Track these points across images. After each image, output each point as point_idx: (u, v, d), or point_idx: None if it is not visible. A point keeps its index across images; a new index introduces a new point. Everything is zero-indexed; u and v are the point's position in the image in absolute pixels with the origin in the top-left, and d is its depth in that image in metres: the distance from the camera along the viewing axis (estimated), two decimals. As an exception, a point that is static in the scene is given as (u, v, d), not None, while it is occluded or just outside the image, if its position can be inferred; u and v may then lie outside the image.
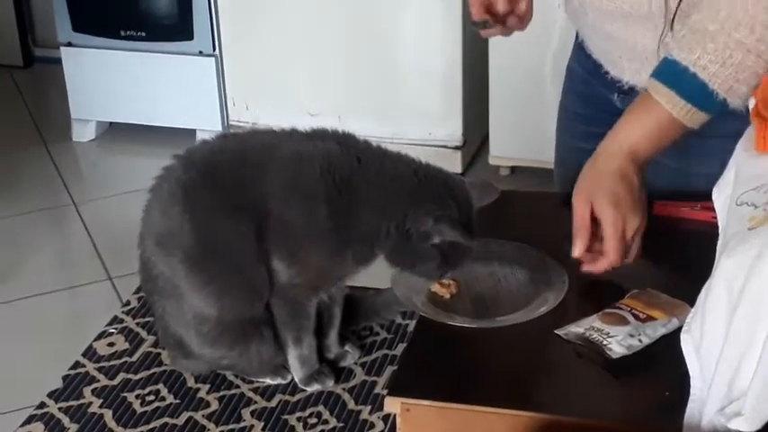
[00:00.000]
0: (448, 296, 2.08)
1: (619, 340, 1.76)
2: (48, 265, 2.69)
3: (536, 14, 2.38)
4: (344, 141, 2.16)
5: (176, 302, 2.23)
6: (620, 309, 1.85)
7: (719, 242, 1.73)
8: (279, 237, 2.15)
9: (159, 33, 3.52)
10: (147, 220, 2.26)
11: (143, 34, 3.59)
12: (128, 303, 2.78)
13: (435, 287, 2.11)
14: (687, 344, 1.62)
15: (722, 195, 1.85)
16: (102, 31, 3.58)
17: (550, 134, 3.09)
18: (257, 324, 2.25)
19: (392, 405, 1.76)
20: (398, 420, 1.76)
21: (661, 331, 1.79)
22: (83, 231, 2.88)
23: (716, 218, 2.22)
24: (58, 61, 3.57)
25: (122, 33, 3.53)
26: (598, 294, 2.01)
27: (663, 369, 1.78)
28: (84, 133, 3.55)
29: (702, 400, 1.56)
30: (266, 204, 2.13)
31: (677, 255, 2.16)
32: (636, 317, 1.82)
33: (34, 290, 2.55)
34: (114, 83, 3.53)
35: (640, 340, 1.77)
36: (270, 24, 3.81)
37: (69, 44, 3.54)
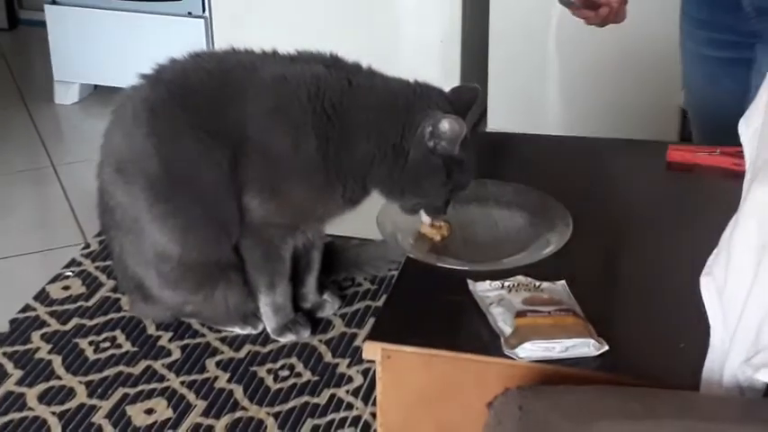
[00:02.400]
0: (438, 238, 1.96)
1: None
2: (24, 227, 2.68)
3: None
4: (333, 64, 2.03)
5: (136, 238, 2.11)
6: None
7: (746, 177, 1.61)
8: (257, 168, 2.02)
9: None
10: (106, 145, 2.13)
11: None
12: (87, 246, 2.66)
13: (425, 229, 1.98)
14: (708, 288, 1.49)
15: (751, 127, 1.72)
16: None
17: (550, 107, 3.00)
18: (225, 267, 2.14)
19: (372, 351, 1.63)
20: (378, 369, 1.64)
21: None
22: (60, 194, 2.86)
23: (737, 164, 2.13)
24: (44, 24, 3.57)
25: None
26: (603, 237, 1.92)
27: (677, 317, 1.67)
28: (66, 96, 3.52)
29: (724, 351, 1.44)
30: (244, 131, 2.01)
31: (692, 204, 2.05)
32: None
33: (8, 251, 2.55)
34: (99, 44, 3.48)
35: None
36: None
37: (54, 2, 3.49)
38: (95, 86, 3.51)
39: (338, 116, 1.96)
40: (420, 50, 3.13)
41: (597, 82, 2.95)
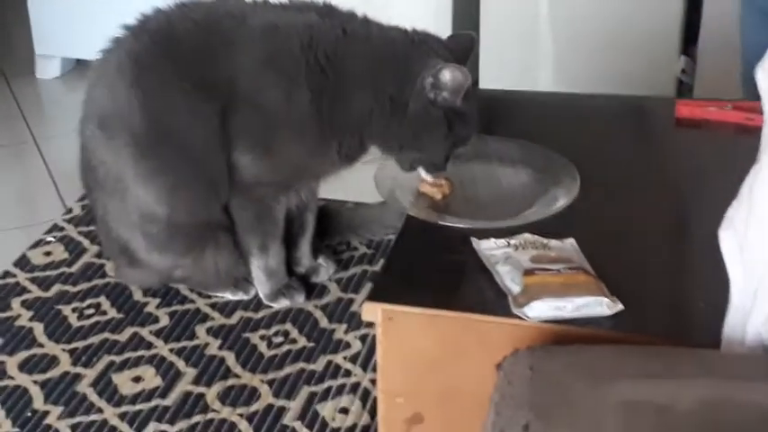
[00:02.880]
0: (440, 196, 1.90)
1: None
2: (5, 202, 2.62)
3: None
4: (326, 12, 1.95)
5: (120, 199, 2.03)
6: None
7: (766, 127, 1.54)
8: (247, 123, 1.94)
9: None
10: (88, 100, 2.05)
11: None
12: (70, 211, 2.59)
13: (425, 187, 1.92)
14: (728, 242, 1.42)
15: (771, 73, 1.65)
16: None
17: (542, 66, 2.94)
18: (214, 228, 2.07)
19: (372, 312, 1.57)
20: (378, 332, 1.58)
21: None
22: (43, 169, 2.79)
23: (750, 119, 2.07)
24: None
25: None
26: (612, 194, 1.87)
27: (694, 275, 1.61)
28: (48, 70, 3.44)
29: (746, 308, 1.38)
30: (233, 83, 1.92)
31: (703, 160, 2.00)
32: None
33: None
34: (82, 17, 3.38)
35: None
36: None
37: None
38: (78, 60, 3.44)
39: (332, 67, 1.88)
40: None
41: (591, 45, 2.89)
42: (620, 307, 1.49)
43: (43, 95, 3.34)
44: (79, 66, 3.42)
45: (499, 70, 2.97)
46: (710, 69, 2.80)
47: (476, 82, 3.36)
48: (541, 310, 1.49)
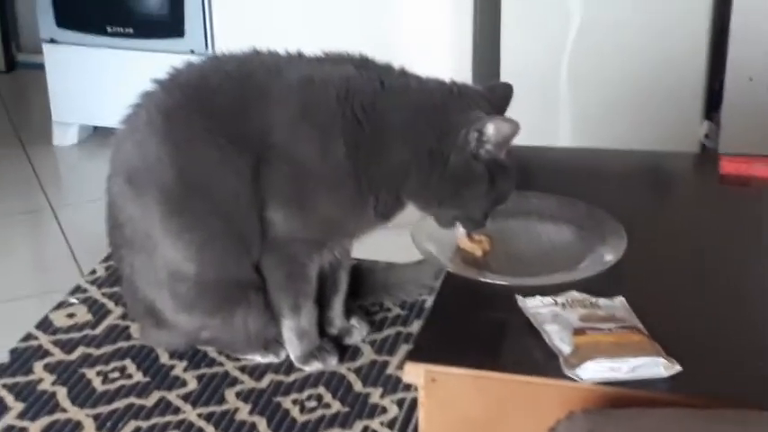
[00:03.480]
0: (480, 253, 1.85)
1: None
2: (22, 270, 2.61)
3: (550, 18, 2.23)
4: (363, 64, 1.92)
5: (148, 257, 1.99)
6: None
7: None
8: (281, 178, 1.90)
9: (148, 30, 3.42)
10: (116, 155, 2.01)
11: (131, 31, 3.47)
12: (93, 272, 2.55)
13: (464, 243, 1.88)
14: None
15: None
16: (86, 28, 3.51)
17: (562, 124, 2.91)
18: (245, 287, 2.02)
19: (414, 373, 1.51)
20: (421, 394, 1.52)
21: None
22: (59, 236, 2.77)
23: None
24: (42, 67, 3.54)
25: (109, 30, 3.42)
26: (658, 252, 1.83)
27: (750, 335, 1.55)
28: (65, 137, 3.47)
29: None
30: (267, 137, 1.89)
31: (751, 218, 1.97)
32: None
33: (6, 295, 2.46)
34: (99, 84, 3.43)
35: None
36: (265, 22, 3.60)
37: (52, 41, 3.46)
38: (95, 128, 3.47)
39: (369, 120, 1.85)
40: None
41: (612, 109, 2.86)
42: (677, 368, 1.43)
43: (60, 163, 3.35)
44: (96, 133, 3.44)
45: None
46: (734, 134, 2.77)
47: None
48: (595, 371, 1.43)
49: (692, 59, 2.77)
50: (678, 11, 2.73)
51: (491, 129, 1.77)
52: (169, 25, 3.41)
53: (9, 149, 3.36)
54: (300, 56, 1.96)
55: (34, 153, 3.33)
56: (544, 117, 2.92)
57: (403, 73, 1.90)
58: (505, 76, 2.94)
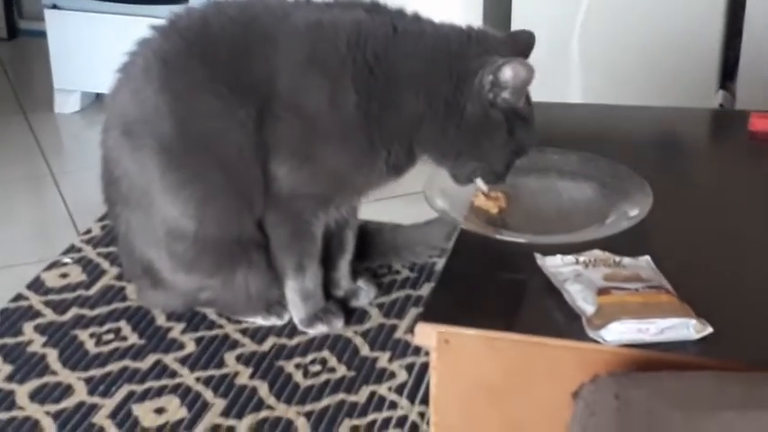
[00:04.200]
0: (496, 210, 1.78)
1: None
2: (22, 236, 2.57)
3: None
4: (374, 9, 1.84)
5: (144, 214, 1.92)
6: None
7: None
8: (287, 129, 1.83)
9: None
10: (112, 106, 1.95)
11: None
12: (88, 231, 2.49)
13: (480, 200, 1.81)
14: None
15: None
16: None
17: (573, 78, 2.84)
18: (246, 246, 1.95)
19: (425, 335, 1.45)
20: (433, 357, 1.46)
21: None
22: (60, 203, 2.74)
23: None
24: (44, 34, 3.49)
25: None
26: (685, 210, 1.76)
27: None
28: (67, 105, 3.43)
29: None
30: (272, 85, 1.81)
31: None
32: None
33: (6, 261, 2.42)
34: (102, 51, 3.34)
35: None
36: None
37: (54, 6, 3.42)
38: (97, 95, 3.42)
39: (381, 67, 1.77)
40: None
41: (626, 79, 2.80)
42: (708, 329, 1.36)
43: (61, 130, 3.31)
44: (98, 100, 3.40)
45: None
46: (749, 103, 2.70)
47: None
48: (621, 332, 1.36)
49: (707, 27, 2.72)
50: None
51: (508, 72, 1.70)
52: (174, -9, 3.37)
53: (11, 117, 3.33)
54: (308, 0, 1.88)
55: (36, 120, 3.30)
56: (555, 77, 2.85)
57: (417, 18, 1.82)
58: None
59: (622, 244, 1.60)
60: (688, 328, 1.37)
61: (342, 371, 1.91)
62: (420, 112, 1.77)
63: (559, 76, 2.84)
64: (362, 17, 1.80)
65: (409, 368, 1.91)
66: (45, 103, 3.39)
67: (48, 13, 3.37)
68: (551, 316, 1.45)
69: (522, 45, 1.80)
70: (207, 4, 1.93)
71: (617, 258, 1.55)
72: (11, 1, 4.10)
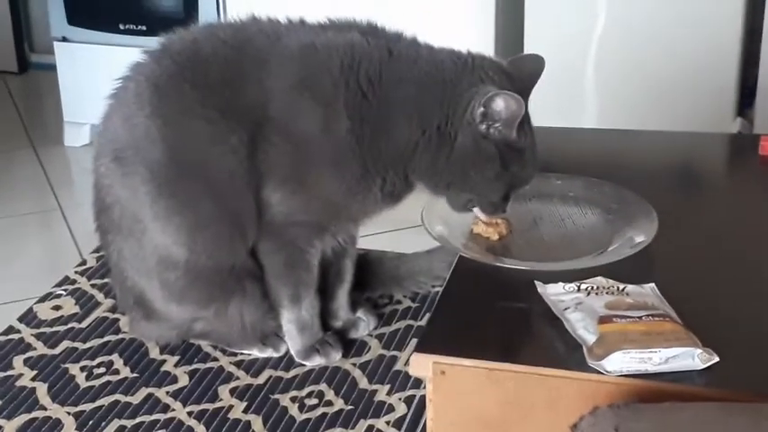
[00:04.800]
0: (496, 237, 1.75)
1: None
2: (31, 270, 2.55)
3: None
4: (371, 32, 1.81)
5: (136, 242, 1.90)
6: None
7: None
8: (279, 155, 1.80)
9: (161, 27, 3.36)
10: (103, 132, 1.93)
11: (143, 28, 3.46)
12: (83, 263, 2.46)
13: (479, 228, 1.78)
14: None
15: None
16: (98, 25, 3.51)
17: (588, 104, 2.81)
18: (240, 275, 1.92)
19: (421, 366, 1.42)
20: (429, 388, 1.43)
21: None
22: (68, 237, 2.74)
23: None
24: (55, 67, 3.51)
25: (121, 27, 3.41)
26: (692, 236, 1.73)
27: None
28: (77, 138, 3.45)
29: None
30: (264, 110, 1.78)
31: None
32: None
33: (15, 295, 2.40)
34: (111, 83, 3.39)
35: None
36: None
37: (64, 39, 3.45)
38: None
39: (375, 92, 1.74)
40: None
41: (643, 105, 2.76)
42: (715, 359, 1.33)
43: (71, 163, 3.30)
44: (109, 133, 3.39)
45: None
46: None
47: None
48: (622, 362, 1.33)
49: (724, 54, 2.68)
50: (710, 6, 2.63)
51: (499, 104, 1.65)
52: (183, 22, 3.36)
53: (20, 151, 3.34)
54: (303, 23, 1.86)
55: (45, 154, 3.30)
56: (570, 103, 2.82)
57: (414, 42, 1.80)
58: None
59: (627, 271, 1.57)
60: (693, 358, 1.33)
61: (339, 404, 1.87)
62: (414, 139, 1.74)
63: (575, 102, 2.81)
64: (357, 40, 1.77)
65: (408, 401, 1.87)
66: (55, 136, 3.40)
67: (57, 46, 3.39)
68: (551, 346, 1.42)
69: (528, 72, 1.76)
70: (199, 27, 1.92)
71: (620, 286, 1.51)
72: (21, 34, 4.14)
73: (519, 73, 1.76)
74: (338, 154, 1.77)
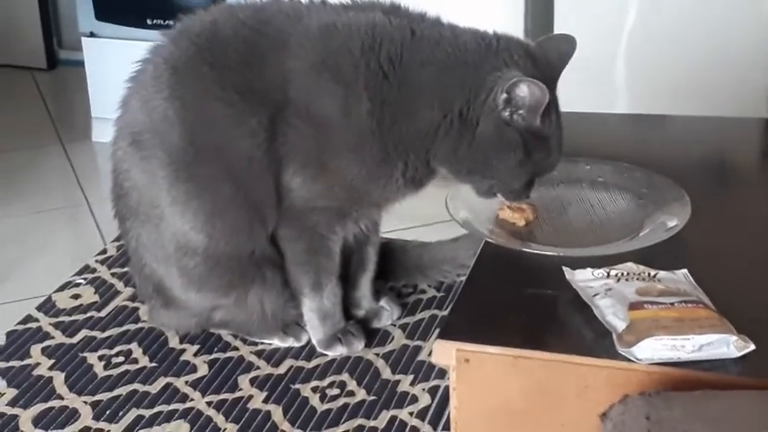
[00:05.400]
0: (522, 223, 1.72)
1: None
2: (58, 265, 2.50)
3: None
4: (393, 11, 1.77)
5: (154, 228, 1.87)
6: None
7: None
8: (299, 138, 1.76)
9: None
10: (121, 116, 1.90)
11: (171, 23, 3.45)
12: (104, 251, 2.44)
13: (505, 213, 1.74)
14: None
15: None
16: (126, 20, 3.51)
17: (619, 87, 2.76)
18: (260, 262, 1.89)
19: (444, 354, 1.38)
20: (452, 377, 1.39)
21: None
22: (95, 232, 2.72)
23: None
24: (83, 64, 3.50)
25: (149, 22, 3.42)
26: (725, 221, 1.70)
27: None
28: (104, 133, 3.39)
29: None
30: (285, 92, 1.75)
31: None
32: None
33: (42, 290, 2.36)
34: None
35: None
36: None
37: (92, 34, 3.47)
38: None
39: (396, 73, 1.71)
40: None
41: (672, 92, 2.70)
42: (751, 346, 1.28)
43: (98, 158, 3.27)
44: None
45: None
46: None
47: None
48: (654, 350, 1.29)
49: (758, 46, 2.61)
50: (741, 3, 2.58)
51: (523, 90, 1.61)
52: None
53: (49, 147, 3.34)
54: (324, 2, 1.82)
55: (73, 150, 3.30)
56: (600, 89, 2.77)
57: (437, 22, 1.75)
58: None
59: (659, 257, 1.53)
60: (728, 345, 1.29)
61: (361, 395, 1.84)
62: (436, 123, 1.70)
63: (605, 88, 2.76)
64: (379, 20, 1.73)
65: (433, 392, 1.84)
66: (83, 131, 3.40)
67: (85, 42, 3.39)
68: (579, 333, 1.38)
69: (557, 54, 1.71)
70: (219, 8, 1.88)
71: (652, 272, 1.47)
72: (50, 31, 4.14)
73: (547, 55, 1.71)
74: (358, 137, 1.73)
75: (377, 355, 1.96)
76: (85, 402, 1.86)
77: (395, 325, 2.05)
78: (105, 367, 1.96)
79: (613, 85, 2.75)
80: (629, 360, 1.28)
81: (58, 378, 1.94)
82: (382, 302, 2.06)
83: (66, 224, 2.81)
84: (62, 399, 1.88)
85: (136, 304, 2.17)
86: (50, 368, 1.97)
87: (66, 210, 2.87)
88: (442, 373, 1.86)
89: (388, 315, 2.05)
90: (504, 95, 1.64)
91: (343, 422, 1.78)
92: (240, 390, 1.88)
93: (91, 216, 2.78)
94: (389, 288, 2.15)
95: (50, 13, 4.17)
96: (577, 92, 2.64)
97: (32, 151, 3.30)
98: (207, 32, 1.82)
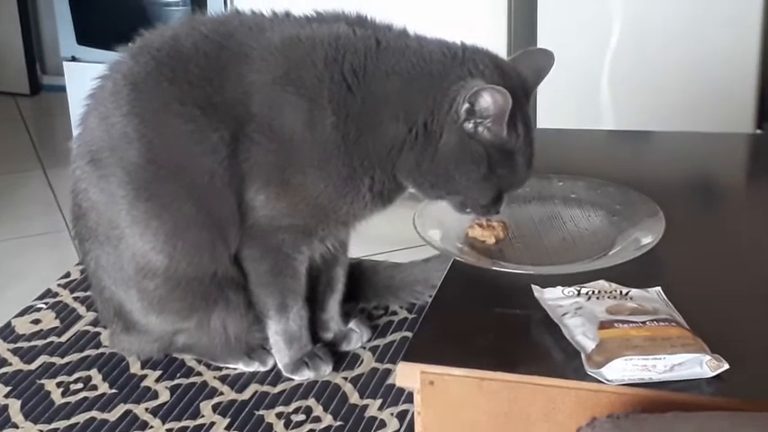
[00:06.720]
0: (492, 240, 1.69)
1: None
2: (36, 292, 2.45)
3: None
4: (358, 23, 1.75)
5: (114, 249, 1.84)
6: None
7: None
8: (262, 154, 1.73)
9: None
10: (80, 134, 1.87)
11: None
12: (67, 275, 2.41)
13: (476, 230, 1.72)
14: None
15: None
16: (107, 44, 3.48)
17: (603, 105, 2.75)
18: (222, 284, 1.86)
19: (408, 376, 1.36)
20: (417, 400, 1.36)
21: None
22: (75, 258, 2.64)
23: None
24: (65, 89, 3.52)
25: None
26: (699, 238, 1.68)
27: None
28: None
29: None
30: (247, 106, 1.72)
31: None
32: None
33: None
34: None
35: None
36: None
37: (73, 59, 3.48)
38: None
39: (360, 85, 1.68)
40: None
41: (658, 115, 2.69)
42: (724, 366, 1.26)
43: None
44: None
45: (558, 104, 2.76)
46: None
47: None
48: (624, 370, 1.26)
49: (742, 63, 2.61)
50: (729, 11, 2.56)
51: (486, 100, 1.58)
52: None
53: (30, 172, 3.33)
54: (288, 15, 1.79)
55: (54, 175, 3.28)
56: (585, 104, 2.75)
57: (404, 33, 1.73)
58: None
59: (632, 274, 1.51)
60: (701, 365, 1.26)
61: (327, 420, 1.81)
62: (401, 136, 1.67)
63: (590, 104, 2.74)
64: (343, 31, 1.71)
65: (401, 416, 1.81)
66: (64, 157, 3.34)
67: (67, 66, 3.40)
68: (548, 354, 1.35)
69: (534, 66, 1.69)
70: (181, 22, 1.86)
71: (624, 290, 1.45)
72: (33, 57, 4.15)
73: (520, 68, 1.69)
74: (323, 152, 1.70)
75: (345, 378, 1.92)
76: (41, 431, 1.82)
77: (365, 348, 2.02)
78: (63, 394, 1.93)
79: (598, 101, 2.74)
80: (599, 381, 1.25)
81: (14, 406, 1.90)
82: (351, 325, 2.02)
83: (46, 249, 2.79)
84: (17, 427, 1.84)
85: (98, 329, 2.14)
86: (6, 396, 1.93)
87: (47, 235, 2.85)
88: (411, 397, 1.82)
89: (357, 338, 2.02)
90: (467, 105, 1.61)
91: (308, 449, 1.75)
92: (202, 416, 1.84)
93: (71, 242, 2.75)
94: (360, 310, 2.12)
95: (33, 39, 4.20)
96: (562, 108, 2.65)
97: (14, 176, 3.29)
98: (167, 47, 1.79)
